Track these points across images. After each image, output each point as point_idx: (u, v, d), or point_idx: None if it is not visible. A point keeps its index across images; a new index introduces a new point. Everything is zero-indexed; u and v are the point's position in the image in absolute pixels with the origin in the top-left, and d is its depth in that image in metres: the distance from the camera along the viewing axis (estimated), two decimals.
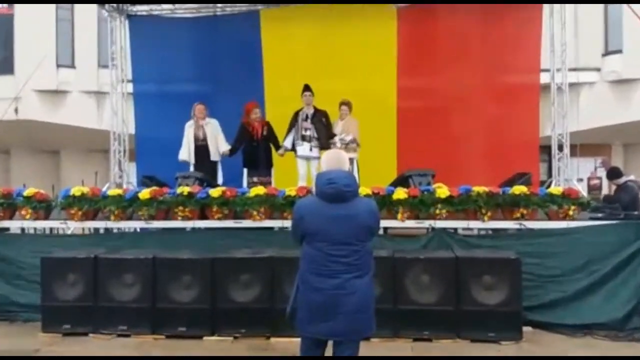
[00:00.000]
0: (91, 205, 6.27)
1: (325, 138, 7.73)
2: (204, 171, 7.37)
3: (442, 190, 5.96)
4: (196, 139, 7.90)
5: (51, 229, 6.85)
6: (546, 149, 9.33)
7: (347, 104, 7.91)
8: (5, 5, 14.13)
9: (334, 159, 3.63)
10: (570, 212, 5.90)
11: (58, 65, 14.32)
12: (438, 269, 5.27)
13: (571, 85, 9.37)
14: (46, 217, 6.58)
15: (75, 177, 12.56)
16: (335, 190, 3.38)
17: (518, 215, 5.90)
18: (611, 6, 13.04)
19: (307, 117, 7.88)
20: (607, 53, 13.45)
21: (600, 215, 6.31)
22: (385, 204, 6.03)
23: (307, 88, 7.89)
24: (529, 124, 9.02)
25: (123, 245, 6.10)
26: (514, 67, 9.19)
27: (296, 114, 7.96)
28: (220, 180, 7.76)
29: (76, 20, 14.38)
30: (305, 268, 3.46)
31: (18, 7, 14.01)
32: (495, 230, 6.19)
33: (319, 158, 7.09)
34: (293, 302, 3.53)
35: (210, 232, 6.20)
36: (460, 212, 5.97)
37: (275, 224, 6.14)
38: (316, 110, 7.90)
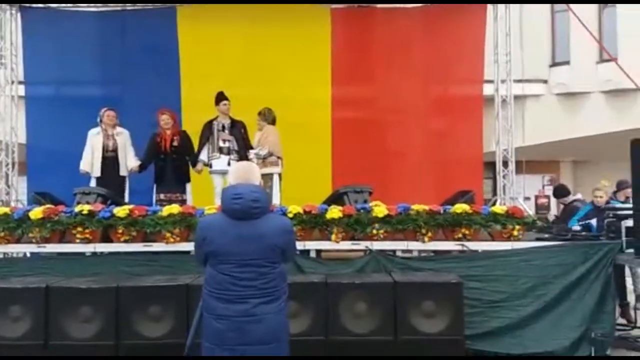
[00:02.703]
0: None
1: (244, 151, 7.79)
2: (109, 187, 7.22)
3: (380, 209, 6.10)
4: (105, 149, 7.71)
5: None
6: (491, 166, 9.75)
7: (261, 113, 7.94)
8: None
9: (242, 171, 3.69)
10: (515, 233, 6.15)
11: None
12: (375, 295, 5.36)
13: (516, 97, 9.80)
14: None
15: None
16: (242, 207, 3.42)
17: (460, 235, 6.12)
18: (558, 15, 13.93)
19: (223, 127, 7.92)
20: (554, 64, 14.29)
21: (546, 236, 6.67)
22: (318, 223, 6.12)
23: (223, 96, 7.95)
24: (472, 138, 9.43)
25: (10, 272, 5.87)
26: (456, 77, 9.64)
27: (209, 125, 7.97)
28: (126, 198, 7.61)
29: None
30: (208, 293, 3.47)
31: None
32: (436, 252, 6.38)
33: None
34: (194, 335, 3.53)
35: (115, 257, 6.05)
36: (399, 233, 6.13)
37: (193, 247, 6.07)
38: (233, 121, 7.97)
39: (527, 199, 11.88)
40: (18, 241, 6.16)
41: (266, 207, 3.57)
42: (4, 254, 6.25)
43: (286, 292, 3.57)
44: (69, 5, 9.59)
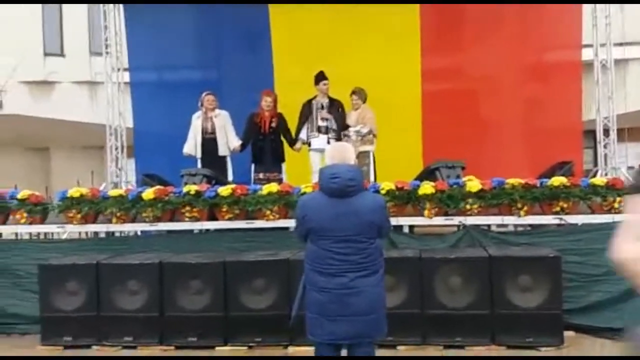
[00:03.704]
0: (91, 207, 6.51)
1: (341, 130, 7.92)
2: (211, 167, 7.61)
3: (473, 184, 6.11)
4: (204, 131, 8.09)
5: (46, 234, 7.11)
6: (591, 135, 9.36)
7: (357, 92, 8.03)
8: None
9: (339, 152, 3.89)
10: (616, 205, 5.98)
11: (45, 54, 14.61)
12: (470, 269, 5.43)
13: (617, 62, 9.36)
14: (42, 221, 6.83)
15: (68, 176, 12.88)
16: (339, 185, 3.60)
17: (557, 209, 6.04)
18: None
19: (322, 106, 8.09)
20: None
21: None
22: (410, 199, 6.22)
23: (324, 76, 8.08)
24: (570, 106, 9.07)
25: (126, 249, 6.35)
26: (552, 42, 9.26)
27: (309, 104, 8.16)
28: (230, 177, 8.00)
29: (64, 4, 14.65)
30: (309, 267, 3.70)
31: None
32: (533, 226, 6.33)
33: None
34: (299, 306, 3.77)
35: (220, 234, 6.44)
36: (493, 207, 6.12)
37: (291, 223, 6.26)
38: (332, 100, 8.11)
39: (630, 168, 11.29)
40: (133, 221, 6.63)
41: (361, 185, 3.76)
42: (120, 232, 6.75)
43: (383, 266, 3.75)
44: None
